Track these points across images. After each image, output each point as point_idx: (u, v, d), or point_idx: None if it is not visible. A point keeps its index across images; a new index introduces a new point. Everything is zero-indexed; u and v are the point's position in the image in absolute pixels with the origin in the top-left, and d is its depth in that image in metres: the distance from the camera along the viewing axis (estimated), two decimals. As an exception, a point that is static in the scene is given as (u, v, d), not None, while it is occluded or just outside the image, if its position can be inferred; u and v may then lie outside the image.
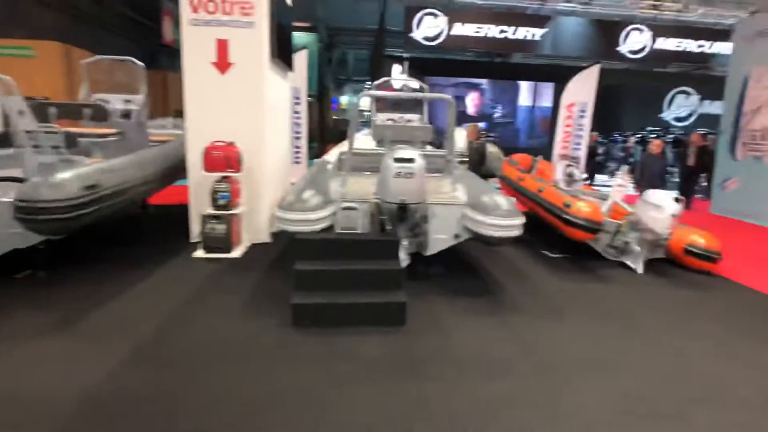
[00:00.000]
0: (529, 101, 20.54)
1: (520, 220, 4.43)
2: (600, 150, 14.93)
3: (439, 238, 4.71)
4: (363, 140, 7.23)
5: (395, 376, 3.11)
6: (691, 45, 17.48)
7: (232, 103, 5.76)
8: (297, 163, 9.83)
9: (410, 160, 4.22)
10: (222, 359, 3.26)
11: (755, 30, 9.59)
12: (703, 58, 17.83)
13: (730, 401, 3.01)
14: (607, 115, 19.56)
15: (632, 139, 16.46)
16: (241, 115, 5.77)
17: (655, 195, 5.58)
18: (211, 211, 5.43)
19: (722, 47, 16.67)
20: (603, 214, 5.69)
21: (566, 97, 10.17)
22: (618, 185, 6.30)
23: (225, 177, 5.44)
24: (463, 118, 19.87)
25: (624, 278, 5.41)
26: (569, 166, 7.60)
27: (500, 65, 19.92)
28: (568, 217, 5.55)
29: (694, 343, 3.81)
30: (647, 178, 8.12)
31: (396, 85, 12.16)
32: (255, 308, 4.12)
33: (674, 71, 19.92)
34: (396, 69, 18.99)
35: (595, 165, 13.56)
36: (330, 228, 4.51)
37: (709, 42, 17.43)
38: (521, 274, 5.40)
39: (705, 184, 11.38)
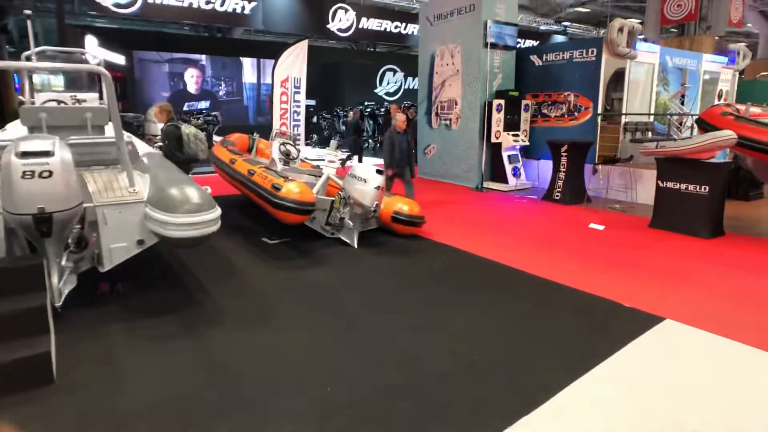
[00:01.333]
0: (254, 78, 19.91)
1: (215, 213, 3.78)
2: (362, 126, 15.14)
3: (118, 247, 3.73)
4: (14, 129, 5.50)
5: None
6: (390, 26, 19.31)
7: None
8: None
9: (45, 154, 3.11)
10: None
11: (434, 14, 10.83)
12: (402, 38, 19.96)
13: (430, 381, 2.95)
14: (330, 91, 20.46)
15: (351, 114, 17.44)
16: None
17: (359, 169, 5.59)
18: None
19: (415, 28, 18.85)
20: (315, 193, 5.50)
21: (279, 73, 9.91)
22: (329, 161, 6.22)
23: None
24: (184, 96, 18.16)
25: (339, 256, 5.32)
26: (285, 144, 7.28)
27: (220, 40, 18.70)
28: (277, 200, 5.16)
29: (397, 320, 3.75)
30: (397, 156, 6.89)
31: (92, 60, 10.14)
32: None
33: (383, 51, 21.87)
34: (91, 41, 15.99)
35: (360, 141, 13.71)
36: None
37: (404, 23, 19.54)
38: (234, 271, 4.81)
39: (413, 151, 12.67)
